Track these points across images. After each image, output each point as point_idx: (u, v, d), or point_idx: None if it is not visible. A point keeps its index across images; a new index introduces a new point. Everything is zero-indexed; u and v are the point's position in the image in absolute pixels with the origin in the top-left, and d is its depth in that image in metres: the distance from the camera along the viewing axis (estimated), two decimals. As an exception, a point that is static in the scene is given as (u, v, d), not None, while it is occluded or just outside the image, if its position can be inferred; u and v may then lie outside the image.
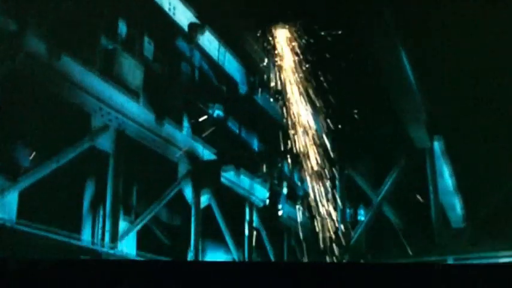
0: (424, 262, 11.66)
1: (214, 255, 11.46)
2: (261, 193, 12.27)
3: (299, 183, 14.42)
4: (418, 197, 11.29)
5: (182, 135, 10.14)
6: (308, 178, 13.75)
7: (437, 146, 10.80)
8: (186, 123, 10.30)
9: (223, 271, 2.81)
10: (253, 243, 12.13)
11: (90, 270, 3.04)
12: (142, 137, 9.12)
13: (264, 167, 11.91)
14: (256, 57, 11.44)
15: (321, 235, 12.51)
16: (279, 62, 11.09)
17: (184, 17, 10.36)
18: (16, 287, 2.96)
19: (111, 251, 8.20)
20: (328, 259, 10.47)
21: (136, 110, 8.96)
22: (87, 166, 8.42)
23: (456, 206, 14.11)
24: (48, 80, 7.48)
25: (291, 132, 11.40)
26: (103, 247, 8.17)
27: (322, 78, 10.79)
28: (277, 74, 11.17)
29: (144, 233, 9.23)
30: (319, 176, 12.12)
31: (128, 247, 8.61)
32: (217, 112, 11.22)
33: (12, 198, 6.97)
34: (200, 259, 10.28)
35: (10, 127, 7.15)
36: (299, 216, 14.27)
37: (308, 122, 11.35)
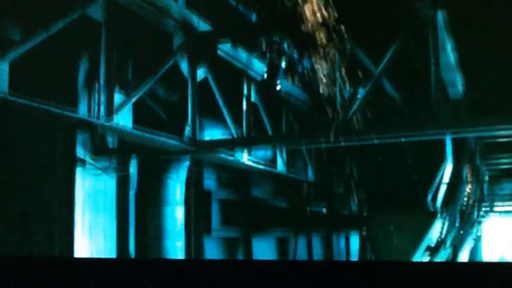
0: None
1: (212, 132, 11.46)
2: (258, 67, 12.04)
3: (298, 59, 14.16)
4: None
5: (177, 5, 9.77)
6: (307, 53, 13.49)
7: (440, 17, 10.39)
8: (180, -6, 9.90)
9: (222, 270, 2.72)
10: (252, 119, 12.09)
11: (85, 268, 2.95)
12: (134, 6, 8.76)
13: (262, 41, 11.57)
14: None
15: (318, 110, 12.43)
16: None
17: None
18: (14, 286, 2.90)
19: (107, 124, 8.15)
20: (324, 135, 10.37)
21: (128, -22, 8.57)
22: (80, 37, 8.17)
23: (457, 82, 13.98)
24: None
25: (291, 4, 10.97)
26: (98, 119, 8.11)
27: None
28: None
29: (141, 107, 9.14)
30: (319, 51, 11.84)
31: (123, 120, 8.55)
32: (213, -18, 10.77)
33: (2, 69, 6.82)
34: (198, 135, 10.28)
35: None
36: (297, 92, 14.18)
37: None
